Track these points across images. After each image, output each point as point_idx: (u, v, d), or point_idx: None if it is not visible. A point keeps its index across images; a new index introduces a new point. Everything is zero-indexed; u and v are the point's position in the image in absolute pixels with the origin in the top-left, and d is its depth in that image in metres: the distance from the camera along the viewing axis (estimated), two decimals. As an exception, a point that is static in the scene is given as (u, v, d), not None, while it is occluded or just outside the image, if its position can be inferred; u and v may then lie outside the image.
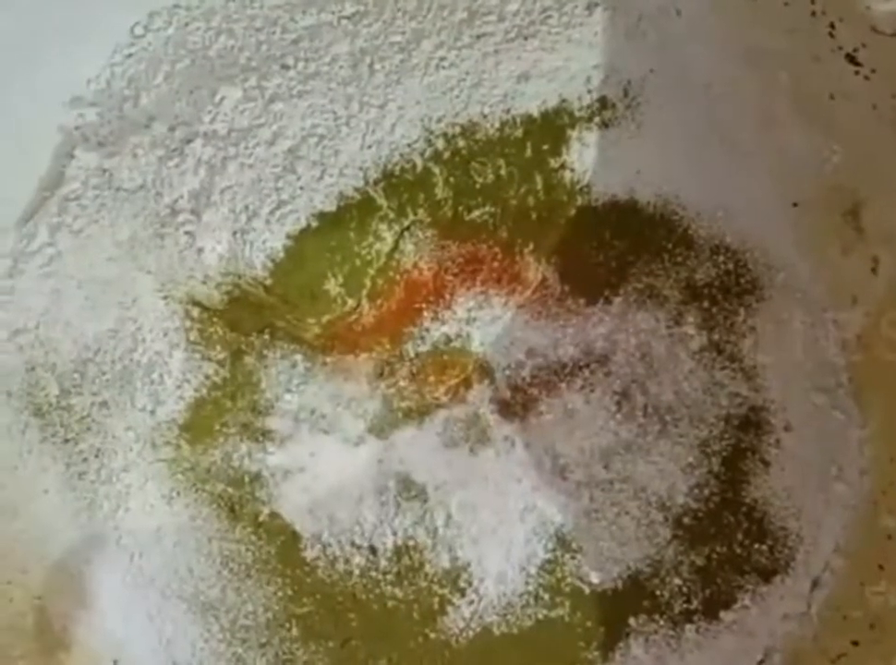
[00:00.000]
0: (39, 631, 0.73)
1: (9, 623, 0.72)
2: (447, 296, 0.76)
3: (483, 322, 0.76)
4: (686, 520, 0.74)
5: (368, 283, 0.76)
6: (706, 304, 0.76)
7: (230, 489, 0.76)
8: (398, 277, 0.76)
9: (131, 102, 0.76)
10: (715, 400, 0.75)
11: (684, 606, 0.74)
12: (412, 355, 0.76)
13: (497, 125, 0.76)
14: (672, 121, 0.76)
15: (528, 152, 0.76)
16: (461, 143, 0.76)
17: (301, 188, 0.74)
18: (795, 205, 0.75)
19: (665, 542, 0.74)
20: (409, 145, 0.75)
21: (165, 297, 0.76)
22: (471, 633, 0.74)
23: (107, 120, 0.76)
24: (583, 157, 0.76)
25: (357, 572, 0.75)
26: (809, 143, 0.72)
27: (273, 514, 0.75)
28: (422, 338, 0.76)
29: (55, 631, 0.73)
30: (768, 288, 0.75)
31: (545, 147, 0.76)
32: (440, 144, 0.76)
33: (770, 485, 0.74)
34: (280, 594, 0.75)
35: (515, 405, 0.76)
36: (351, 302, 0.76)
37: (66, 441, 0.76)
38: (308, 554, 0.75)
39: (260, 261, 0.74)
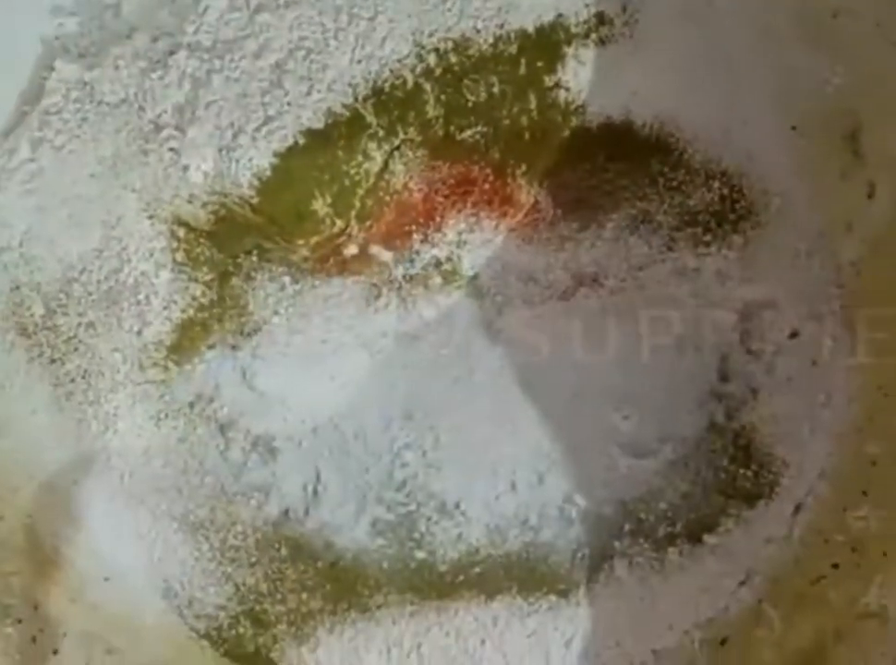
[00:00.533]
0: (30, 549, 0.73)
1: (1, 541, 0.72)
2: (438, 219, 0.75)
3: (474, 245, 0.75)
4: (673, 446, 0.74)
5: (356, 203, 0.74)
6: (699, 230, 0.75)
7: (217, 411, 0.75)
8: (388, 198, 0.75)
9: (112, 11, 0.73)
10: (705, 327, 0.74)
11: (668, 529, 0.74)
12: (401, 277, 0.75)
13: (490, 40, 0.74)
14: (670, 39, 0.74)
15: (522, 70, 0.74)
16: (453, 59, 0.74)
17: (288, 104, 0.72)
18: (794, 128, 0.73)
19: (651, 468, 0.74)
20: (400, 60, 0.73)
21: (151, 217, 0.75)
22: (457, 554, 0.75)
23: (88, 30, 0.74)
24: (578, 76, 0.74)
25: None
26: (810, 64, 0.71)
27: (261, 436, 0.75)
28: (412, 261, 0.75)
29: (46, 549, 0.74)
30: (763, 214, 0.74)
31: (540, 64, 0.74)
32: (431, 60, 0.73)
33: (758, 411, 0.74)
34: (270, 516, 0.75)
35: (505, 329, 0.75)
36: (340, 223, 0.74)
37: (53, 361, 0.75)
38: (297, 475, 0.75)
39: (247, 179, 0.73)
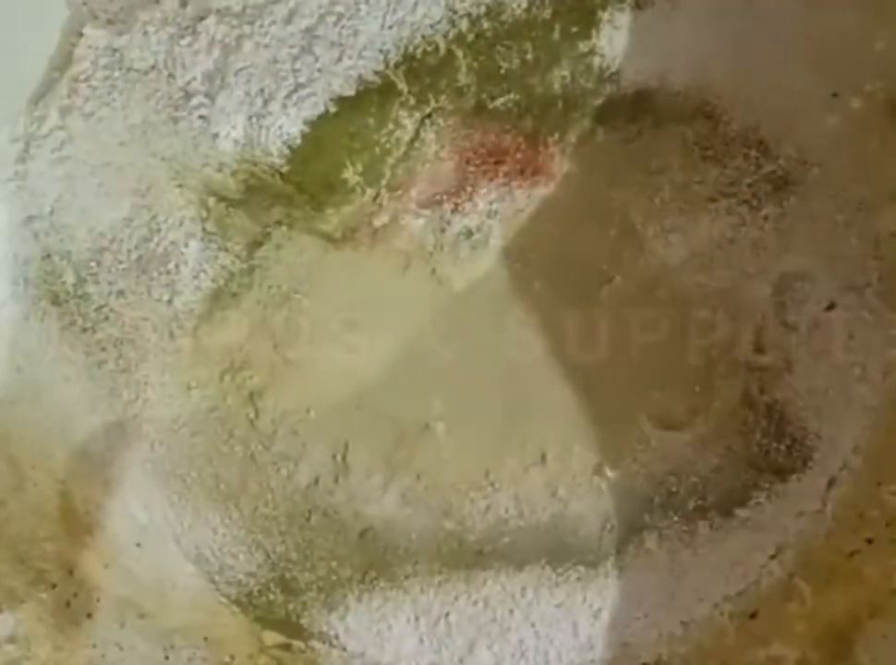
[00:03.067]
0: (63, 514, 0.74)
1: (35, 507, 0.74)
2: (469, 188, 0.74)
3: (505, 215, 0.74)
4: (704, 418, 0.73)
5: (387, 172, 0.73)
6: (734, 201, 0.73)
7: (247, 380, 0.75)
8: (419, 167, 0.74)
9: (140, -25, 0.72)
10: (739, 299, 0.73)
11: (699, 502, 0.74)
12: (432, 247, 0.74)
13: (524, 5, 0.72)
14: (708, 2, 0.72)
15: (556, 36, 0.72)
16: (486, 25, 0.72)
17: (319, 71, 0.71)
18: (835, 95, 0.71)
19: (682, 440, 0.74)
20: (432, 26, 0.72)
21: (180, 186, 0.74)
22: (486, 525, 0.75)
23: (116, -6, 0.72)
24: (613, 41, 0.72)
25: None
26: (854, 27, 0.69)
27: (291, 406, 0.75)
28: (442, 230, 0.74)
29: (79, 515, 0.75)
30: (801, 184, 0.73)
31: (574, 30, 0.72)
32: (464, 25, 0.72)
33: (793, 385, 0.73)
34: (299, 485, 0.75)
35: (536, 299, 0.74)
36: (370, 192, 0.74)
37: (84, 330, 0.76)
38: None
39: (277, 148, 0.72)
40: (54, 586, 0.71)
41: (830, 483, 0.73)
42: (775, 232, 0.73)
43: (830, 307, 0.73)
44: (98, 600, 0.72)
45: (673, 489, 0.74)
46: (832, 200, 0.73)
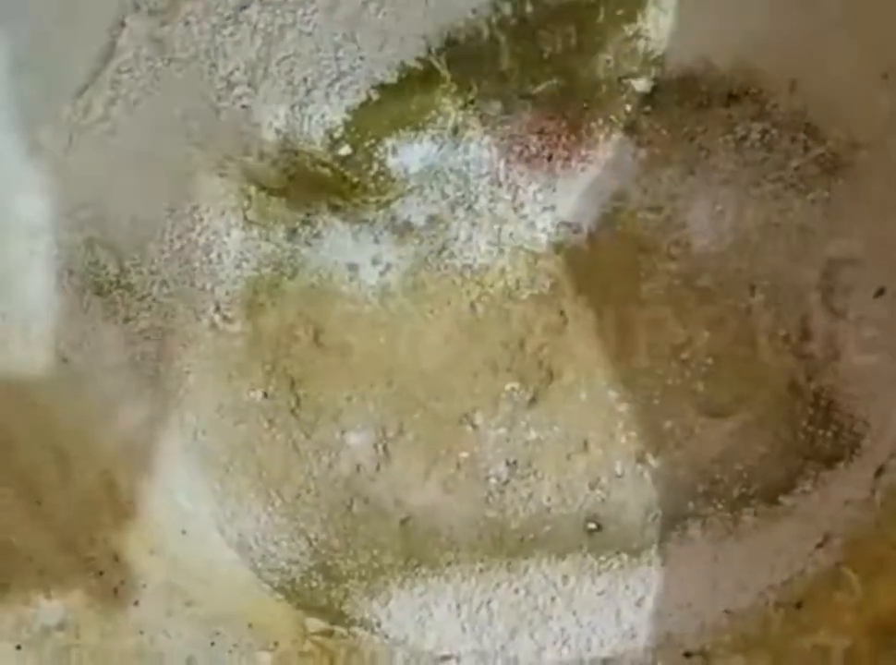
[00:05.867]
0: (109, 502, 0.75)
1: (82, 496, 0.74)
2: (512, 174, 0.73)
3: (549, 202, 0.73)
4: (750, 406, 0.72)
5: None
6: (781, 186, 0.72)
7: (288, 368, 0.75)
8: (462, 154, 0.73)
9: (182, -36, 0.72)
10: (786, 285, 0.72)
11: (743, 490, 0.73)
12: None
13: (568, -12, 0.71)
14: (756, -20, 0.70)
15: (601, 19, 0.71)
16: (529, 9, 0.71)
17: (361, 59, 0.71)
18: (885, 77, 0.70)
19: (727, 428, 0.73)
20: (474, 10, 0.71)
21: (222, 175, 0.74)
22: (528, 513, 0.75)
23: (158, -15, 0.72)
24: (659, 24, 0.71)
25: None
26: (905, 6, 0.67)
27: (331, 393, 0.75)
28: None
29: (124, 503, 0.75)
30: (849, 167, 0.72)
31: (619, 12, 0.71)
32: (506, 9, 0.71)
33: (840, 372, 0.72)
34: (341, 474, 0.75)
35: (581, 287, 0.73)
36: (413, 181, 0.73)
37: (127, 320, 0.76)
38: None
39: (319, 136, 0.72)
40: (101, 573, 0.72)
41: (879, 471, 0.72)
42: (823, 216, 0.72)
43: (880, 292, 0.72)
44: (144, 587, 0.73)
45: (717, 476, 0.73)
46: (882, 183, 0.71)
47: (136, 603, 0.73)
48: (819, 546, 0.73)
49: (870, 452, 0.72)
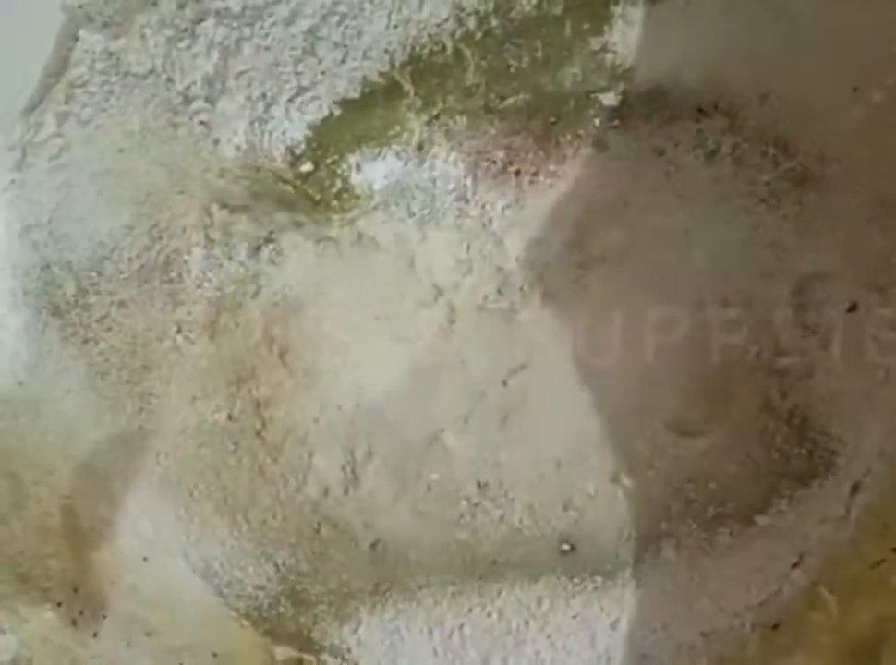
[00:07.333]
0: (67, 530, 0.73)
1: (39, 524, 0.73)
2: (479, 190, 0.72)
3: (517, 217, 0.72)
4: (723, 425, 0.72)
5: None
6: (752, 201, 0.71)
7: (253, 390, 0.74)
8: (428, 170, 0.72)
9: (136, -24, 0.70)
10: (758, 301, 0.71)
11: (718, 510, 0.72)
12: (441, 251, 0.72)
13: (534, 1, 0.70)
14: (725, -6, 0.70)
15: (567, 32, 0.70)
16: (494, 22, 0.70)
17: (322, 73, 0.69)
18: (855, 90, 0.69)
19: (700, 447, 0.72)
20: (438, 24, 0.70)
21: (182, 192, 0.73)
22: (500, 535, 0.73)
23: (112, -3, 0.71)
24: (626, 38, 0.70)
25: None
26: (874, 18, 0.67)
27: (298, 417, 0.74)
28: (453, 233, 0.72)
29: (84, 531, 0.73)
30: (820, 181, 0.71)
31: (586, 26, 0.70)
32: (471, 23, 0.70)
33: (814, 388, 0.71)
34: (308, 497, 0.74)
35: (552, 305, 0.72)
36: (377, 197, 0.72)
37: (86, 341, 0.74)
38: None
39: (280, 153, 0.70)
40: (59, 604, 0.70)
41: (854, 489, 0.71)
42: (794, 231, 0.71)
43: (853, 307, 0.71)
44: (104, 618, 0.71)
45: (691, 496, 0.72)
46: (853, 197, 0.71)
47: (95, 635, 0.71)
48: (795, 565, 0.72)
49: (845, 469, 0.71)
